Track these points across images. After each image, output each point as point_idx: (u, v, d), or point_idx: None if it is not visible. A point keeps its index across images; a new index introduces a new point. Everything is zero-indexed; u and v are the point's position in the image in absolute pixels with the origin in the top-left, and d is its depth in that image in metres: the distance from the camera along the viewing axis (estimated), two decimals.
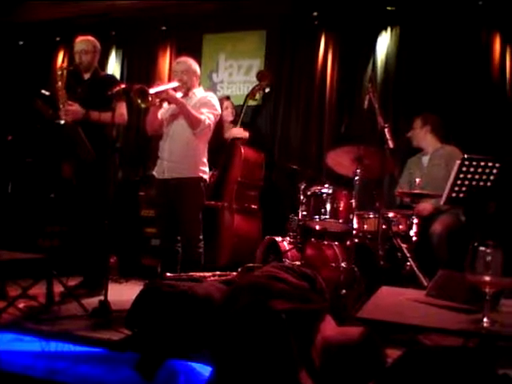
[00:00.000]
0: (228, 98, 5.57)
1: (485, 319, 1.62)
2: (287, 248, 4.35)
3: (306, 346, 2.03)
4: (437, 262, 3.74)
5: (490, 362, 1.76)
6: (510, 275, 1.62)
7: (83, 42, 4.36)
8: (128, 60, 6.57)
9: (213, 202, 4.95)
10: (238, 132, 5.20)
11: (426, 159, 4.44)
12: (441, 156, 4.32)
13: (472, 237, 1.87)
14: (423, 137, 4.43)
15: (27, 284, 3.57)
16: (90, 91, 4.27)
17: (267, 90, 5.38)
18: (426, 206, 4.04)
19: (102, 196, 4.10)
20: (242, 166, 5.02)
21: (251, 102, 5.43)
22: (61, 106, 4.17)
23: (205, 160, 4.19)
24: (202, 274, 3.27)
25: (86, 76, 4.37)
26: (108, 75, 4.93)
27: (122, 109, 4.25)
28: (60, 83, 4.22)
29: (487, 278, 1.61)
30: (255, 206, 5.18)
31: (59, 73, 4.25)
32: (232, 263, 4.42)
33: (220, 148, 5.18)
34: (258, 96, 5.43)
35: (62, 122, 4.06)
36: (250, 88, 5.42)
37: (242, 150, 5.04)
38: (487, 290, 1.63)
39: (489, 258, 1.62)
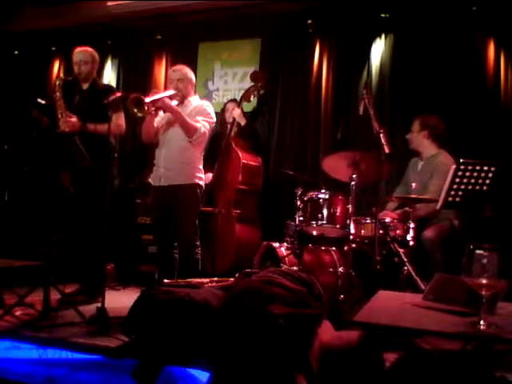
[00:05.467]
0: (233, 100, 5.53)
1: (482, 322, 1.62)
2: (284, 254, 4.33)
3: (303, 350, 2.04)
4: (432, 267, 3.74)
5: (488, 364, 1.77)
6: (507, 278, 1.63)
7: (82, 53, 4.36)
8: (124, 69, 6.59)
9: (209, 208, 4.93)
10: (238, 115, 5.17)
11: (420, 165, 4.36)
12: (431, 164, 4.22)
13: (466, 240, 1.88)
14: (420, 142, 4.33)
15: (24, 292, 3.56)
16: (88, 101, 4.27)
17: (261, 92, 5.34)
18: (420, 207, 4.03)
19: (99, 204, 4.09)
20: (241, 173, 4.96)
21: (246, 106, 5.41)
22: (59, 116, 4.18)
23: (200, 167, 4.21)
24: (199, 280, 3.25)
25: (85, 86, 4.37)
26: (107, 85, 4.92)
27: (119, 119, 4.24)
28: (58, 93, 4.23)
29: (484, 281, 1.62)
30: (255, 214, 5.16)
31: (58, 83, 4.26)
32: (230, 269, 4.41)
33: (215, 150, 5.17)
34: (252, 98, 5.35)
35: (58, 130, 4.07)
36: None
37: (240, 155, 5.00)
38: (484, 292, 1.63)
39: (485, 261, 1.63)
